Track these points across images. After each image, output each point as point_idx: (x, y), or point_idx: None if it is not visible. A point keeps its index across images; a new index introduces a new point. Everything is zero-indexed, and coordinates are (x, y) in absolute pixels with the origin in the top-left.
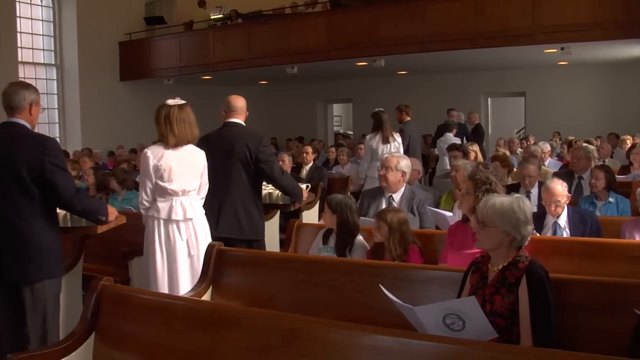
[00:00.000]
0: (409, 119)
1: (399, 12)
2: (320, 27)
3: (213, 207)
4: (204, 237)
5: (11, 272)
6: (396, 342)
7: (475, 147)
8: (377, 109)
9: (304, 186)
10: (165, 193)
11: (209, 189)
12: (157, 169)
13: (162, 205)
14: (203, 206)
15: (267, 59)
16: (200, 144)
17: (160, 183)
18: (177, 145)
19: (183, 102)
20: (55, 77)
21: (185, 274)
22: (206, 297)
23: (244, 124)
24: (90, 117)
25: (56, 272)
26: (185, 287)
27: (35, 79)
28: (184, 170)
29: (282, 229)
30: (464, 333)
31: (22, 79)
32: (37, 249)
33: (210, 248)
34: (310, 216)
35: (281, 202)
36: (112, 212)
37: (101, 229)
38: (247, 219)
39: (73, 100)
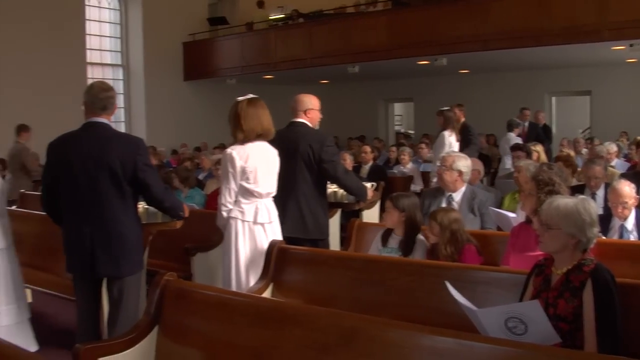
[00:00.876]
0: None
1: (461, 10)
2: (382, 26)
3: (278, 206)
4: (280, 238)
5: (105, 268)
6: (457, 343)
7: (539, 148)
8: (445, 108)
9: (369, 185)
10: (250, 195)
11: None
12: (243, 170)
13: (248, 207)
14: None
15: (328, 58)
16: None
17: (246, 185)
18: (246, 139)
19: (254, 96)
20: (121, 78)
21: None
22: (267, 294)
23: (308, 124)
24: (154, 116)
25: (140, 266)
26: None
27: (103, 79)
28: (269, 171)
29: (343, 227)
30: (526, 337)
31: (91, 79)
32: (128, 246)
33: (271, 246)
34: (371, 215)
35: (346, 201)
36: (185, 209)
37: (178, 224)
38: (312, 219)
39: (138, 99)
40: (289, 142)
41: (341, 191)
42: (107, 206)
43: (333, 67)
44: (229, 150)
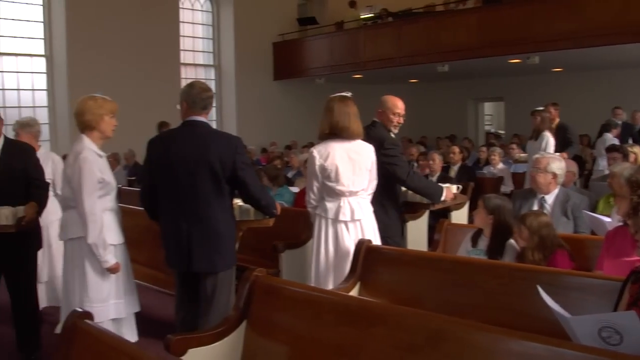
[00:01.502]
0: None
1: (554, 6)
2: (472, 23)
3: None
4: (372, 237)
5: (201, 264)
6: (547, 350)
7: (637, 149)
8: (539, 107)
9: (454, 187)
10: (332, 192)
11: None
12: (323, 168)
13: (330, 205)
14: None
15: (417, 57)
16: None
17: (327, 183)
18: (329, 135)
19: (347, 94)
20: (213, 77)
21: None
22: (354, 292)
23: (381, 124)
24: (245, 114)
25: (233, 262)
26: None
27: (196, 79)
28: (352, 169)
29: (431, 228)
30: (621, 348)
31: (184, 80)
32: (224, 242)
33: (359, 245)
34: (460, 217)
35: (426, 201)
36: (278, 207)
37: (271, 222)
38: (382, 216)
39: (230, 98)
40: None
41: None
42: (205, 203)
43: (422, 66)
44: (312, 150)
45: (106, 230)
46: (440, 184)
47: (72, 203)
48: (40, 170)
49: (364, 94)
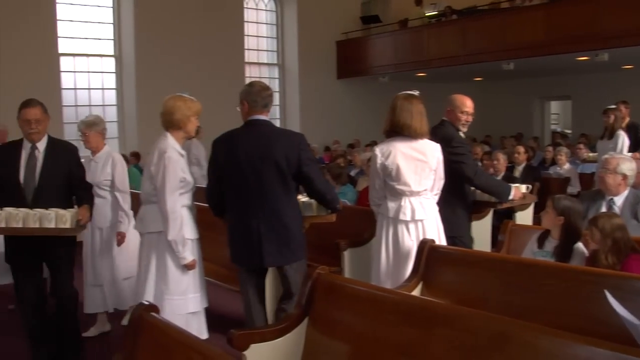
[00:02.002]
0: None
1: (624, 1)
2: (539, 20)
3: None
4: (435, 238)
5: (273, 259)
6: (615, 356)
7: None
8: (611, 106)
9: (523, 187)
10: (394, 192)
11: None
12: (384, 167)
13: (391, 204)
14: None
15: (482, 55)
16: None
17: (389, 182)
18: (391, 132)
19: (414, 92)
20: (277, 76)
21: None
22: (416, 292)
23: (450, 123)
24: (308, 113)
25: (303, 255)
26: None
27: (260, 77)
28: (414, 169)
29: (495, 229)
30: None
31: (248, 79)
32: (293, 236)
33: (422, 244)
34: (524, 217)
35: (494, 200)
36: (340, 203)
37: (334, 217)
38: (449, 215)
39: (293, 97)
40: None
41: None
42: (273, 199)
43: (487, 64)
44: (375, 148)
45: (184, 226)
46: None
47: (153, 198)
48: (83, 170)
49: (428, 93)
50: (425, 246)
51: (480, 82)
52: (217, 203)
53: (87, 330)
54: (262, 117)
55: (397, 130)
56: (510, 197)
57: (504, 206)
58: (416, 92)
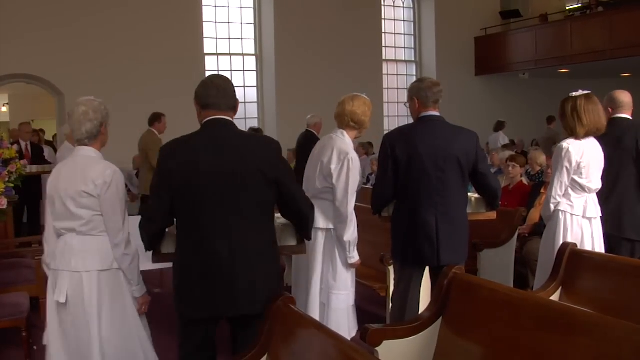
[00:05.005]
0: None
1: None
2: None
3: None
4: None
5: (449, 256)
6: None
7: None
8: None
9: None
10: (581, 189)
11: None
12: (578, 165)
13: (577, 201)
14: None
15: (631, 49)
16: None
17: (578, 179)
18: (586, 135)
19: (588, 92)
20: (414, 73)
21: None
22: (555, 297)
23: (631, 118)
24: (446, 111)
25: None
26: None
27: (397, 75)
28: (599, 167)
29: None
30: None
31: (385, 76)
32: (467, 233)
33: (563, 247)
34: None
35: None
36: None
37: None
38: (630, 216)
39: None
40: (613, 137)
41: None
42: (453, 196)
43: (636, 58)
44: (564, 144)
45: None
46: None
47: (324, 196)
48: None
49: (571, 90)
50: (567, 249)
51: (629, 78)
52: (384, 199)
53: None
54: (435, 113)
55: (590, 132)
56: None
57: None
58: (588, 92)
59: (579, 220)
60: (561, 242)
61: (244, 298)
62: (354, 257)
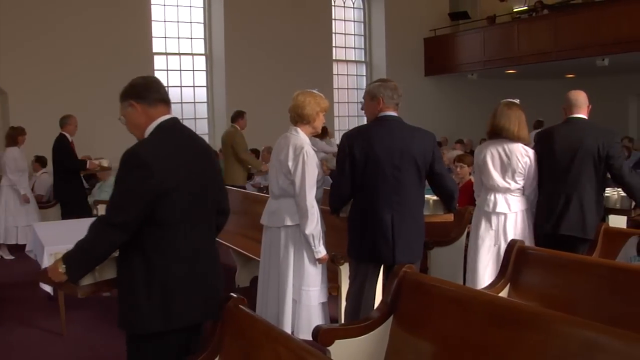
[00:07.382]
0: None
1: None
2: (636, 14)
3: (556, 204)
4: (514, 232)
5: (404, 254)
6: None
7: None
8: None
9: None
10: (485, 186)
11: (549, 185)
12: (478, 164)
13: (487, 197)
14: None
15: (575, 51)
16: (542, 139)
17: (482, 178)
18: (490, 135)
19: (515, 100)
20: (364, 74)
21: None
22: (503, 293)
23: (586, 118)
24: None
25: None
26: None
27: (347, 75)
28: (500, 167)
29: None
30: None
31: (336, 76)
32: (422, 231)
33: (511, 245)
34: (618, 221)
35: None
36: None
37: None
38: (590, 217)
39: None
40: (572, 138)
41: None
42: (409, 195)
43: (580, 60)
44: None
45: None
46: None
47: (289, 193)
48: None
49: (518, 90)
50: (514, 247)
51: (573, 79)
52: (342, 198)
53: None
54: (394, 113)
55: (497, 132)
56: None
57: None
58: (517, 100)
59: (488, 215)
60: (475, 236)
61: None
62: (320, 251)
